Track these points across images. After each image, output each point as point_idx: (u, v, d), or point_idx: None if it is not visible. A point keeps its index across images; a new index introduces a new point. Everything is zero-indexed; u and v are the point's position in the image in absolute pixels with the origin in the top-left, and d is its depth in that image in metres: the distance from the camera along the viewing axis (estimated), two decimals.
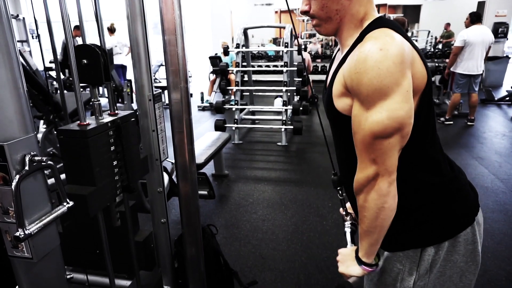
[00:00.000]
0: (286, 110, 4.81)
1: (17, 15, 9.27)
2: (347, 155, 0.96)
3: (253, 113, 5.90)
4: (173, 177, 2.02)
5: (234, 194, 3.32)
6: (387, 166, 0.80)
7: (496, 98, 6.82)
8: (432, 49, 10.20)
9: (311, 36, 12.24)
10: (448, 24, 10.47)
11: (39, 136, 3.57)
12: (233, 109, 5.04)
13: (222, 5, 10.11)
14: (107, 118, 1.13)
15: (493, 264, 2.20)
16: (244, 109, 5.48)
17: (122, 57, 7.36)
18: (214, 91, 7.34)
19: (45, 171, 0.97)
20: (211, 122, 5.91)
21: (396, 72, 0.76)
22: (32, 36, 9.70)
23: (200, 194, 2.79)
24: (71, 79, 1.09)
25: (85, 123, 1.05)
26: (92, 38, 1.46)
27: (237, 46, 5.08)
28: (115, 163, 1.16)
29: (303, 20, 12.39)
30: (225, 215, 2.92)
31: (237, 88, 5.16)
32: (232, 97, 6.25)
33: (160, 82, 8.77)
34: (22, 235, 0.85)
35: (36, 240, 0.92)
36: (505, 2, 8.61)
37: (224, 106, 5.00)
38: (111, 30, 7.27)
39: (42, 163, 0.92)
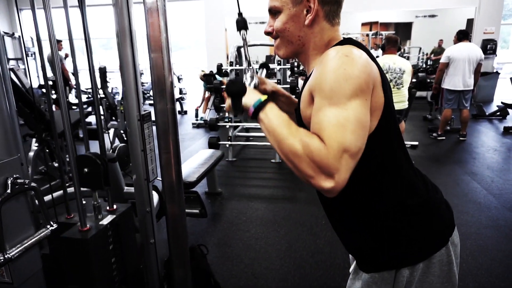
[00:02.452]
0: None
1: (13, 33, 9.33)
2: None
3: (247, 130, 5.92)
4: None
5: (227, 212, 3.30)
6: (342, 174, 0.73)
7: (487, 113, 6.91)
8: (424, 65, 10.40)
9: None
10: (441, 41, 10.70)
11: (31, 154, 3.54)
12: (227, 126, 5.05)
13: (216, 23, 10.25)
14: (106, 219, 1.15)
15: (488, 281, 2.18)
16: (238, 126, 5.50)
17: None
18: (208, 108, 7.36)
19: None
20: (205, 139, 5.91)
21: (361, 79, 0.75)
22: (28, 54, 9.76)
23: (192, 213, 2.76)
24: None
25: (85, 228, 1.07)
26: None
27: (231, 64, 5.14)
28: (113, 259, 1.17)
29: None
30: (217, 234, 2.89)
31: None
32: (226, 114, 6.28)
33: None
34: (2, 260, 0.84)
35: (17, 264, 0.90)
36: (493, 20, 8.83)
37: (218, 124, 5.01)
38: None
39: (25, 186, 0.91)
